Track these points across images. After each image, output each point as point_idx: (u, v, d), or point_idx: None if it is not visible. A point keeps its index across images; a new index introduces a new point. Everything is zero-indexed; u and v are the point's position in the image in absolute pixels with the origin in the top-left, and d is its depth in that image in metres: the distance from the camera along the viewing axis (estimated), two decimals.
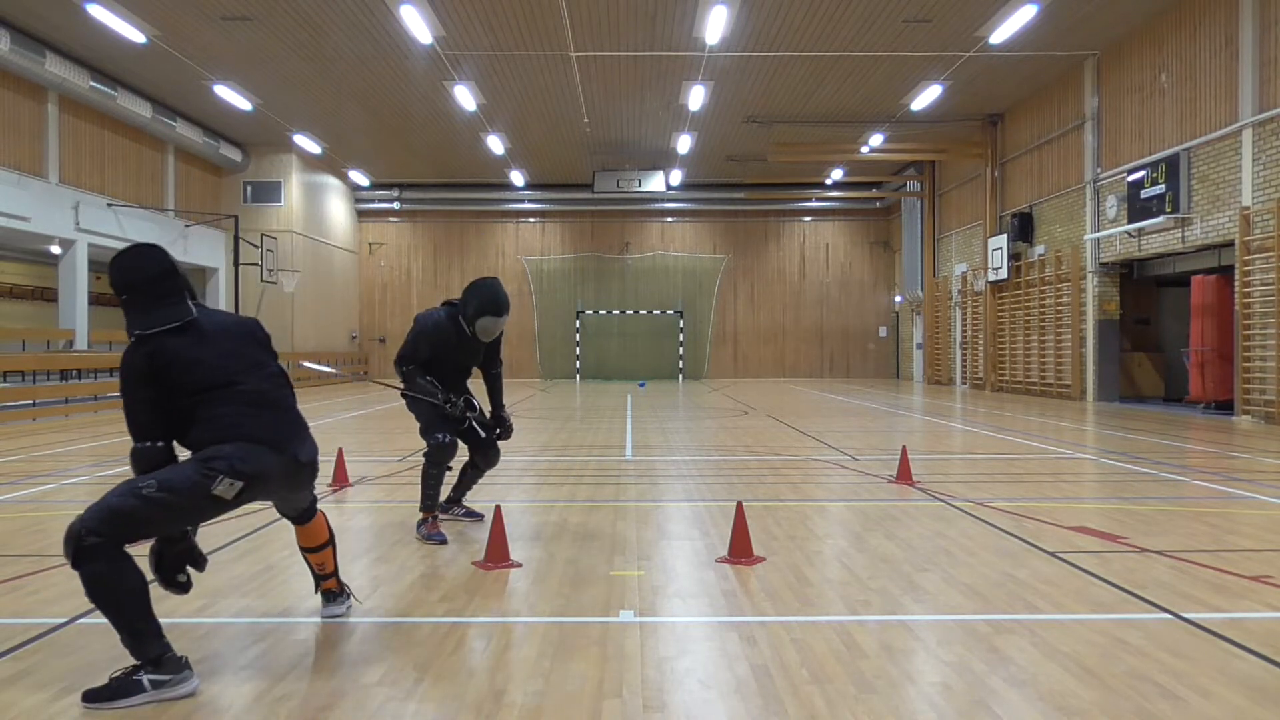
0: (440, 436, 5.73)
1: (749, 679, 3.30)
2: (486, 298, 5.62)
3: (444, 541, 5.63)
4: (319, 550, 4.00)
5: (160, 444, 3.43)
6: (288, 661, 3.52)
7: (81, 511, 3.19)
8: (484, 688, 3.24)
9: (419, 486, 5.86)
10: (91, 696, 3.15)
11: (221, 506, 3.40)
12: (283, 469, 3.52)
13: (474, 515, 6.38)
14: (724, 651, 3.61)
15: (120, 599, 3.17)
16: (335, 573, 4.10)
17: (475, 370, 6.16)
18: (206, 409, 3.44)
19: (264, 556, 5.25)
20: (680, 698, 3.14)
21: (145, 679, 3.17)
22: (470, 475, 6.35)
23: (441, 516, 6.15)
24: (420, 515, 5.83)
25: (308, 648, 3.68)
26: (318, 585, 4.12)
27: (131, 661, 3.23)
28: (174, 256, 3.65)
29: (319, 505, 4.02)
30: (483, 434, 6.02)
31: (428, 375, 5.80)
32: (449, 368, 5.90)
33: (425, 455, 5.79)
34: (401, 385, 5.82)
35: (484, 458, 6.18)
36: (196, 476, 3.31)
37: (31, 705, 3.09)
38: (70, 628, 3.92)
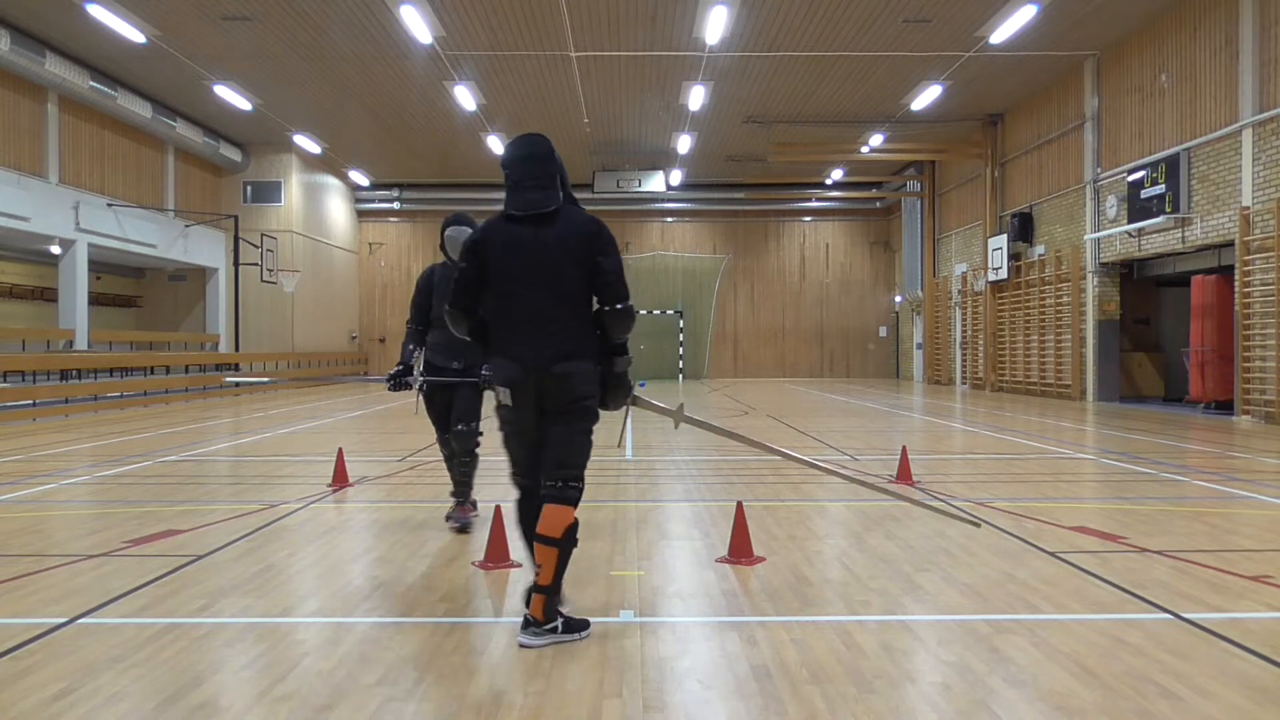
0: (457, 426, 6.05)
1: (749, 679, 3.30)
2: (451, 216, 5.98)
3: (463, 528, 5.98)
4: (545, 543, 3.66)
5: (461, 317, 3.81)
6: (288, 661, 3.52)
7: None
8: (484, 688, 3.24)
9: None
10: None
11: (517, 411, 3.75)
12: (537, 379, 3.70)
13: (461, 521, 6.07)
14: (724, 651, 3.61)
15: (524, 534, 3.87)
16: (550, 588, 3.66)
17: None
18: (492, 318, 3.80)
19: (264, 556, 5.24)
20: (680, 698, 3.14)
21: (565, 619, 3.73)
22: (451, 465, 6.18)
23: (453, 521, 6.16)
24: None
25: (308, 648, 3.68)
26: (527, 599, 3.75)
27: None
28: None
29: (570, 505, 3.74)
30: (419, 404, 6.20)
31: (429, 339, 6.02)
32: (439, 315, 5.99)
33: None
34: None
35: (451, 436, 6.13)
36: (491, 395, 3.85)
37: (31, 705, 3.08)
38: (70, 628, 3.92)
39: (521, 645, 3.64)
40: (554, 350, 3.67)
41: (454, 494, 6.22)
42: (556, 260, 3.69)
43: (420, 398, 6.09)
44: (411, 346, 5.95)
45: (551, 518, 3.66)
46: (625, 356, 3.87)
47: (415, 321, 5.99)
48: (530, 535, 3.78)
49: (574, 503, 3.73)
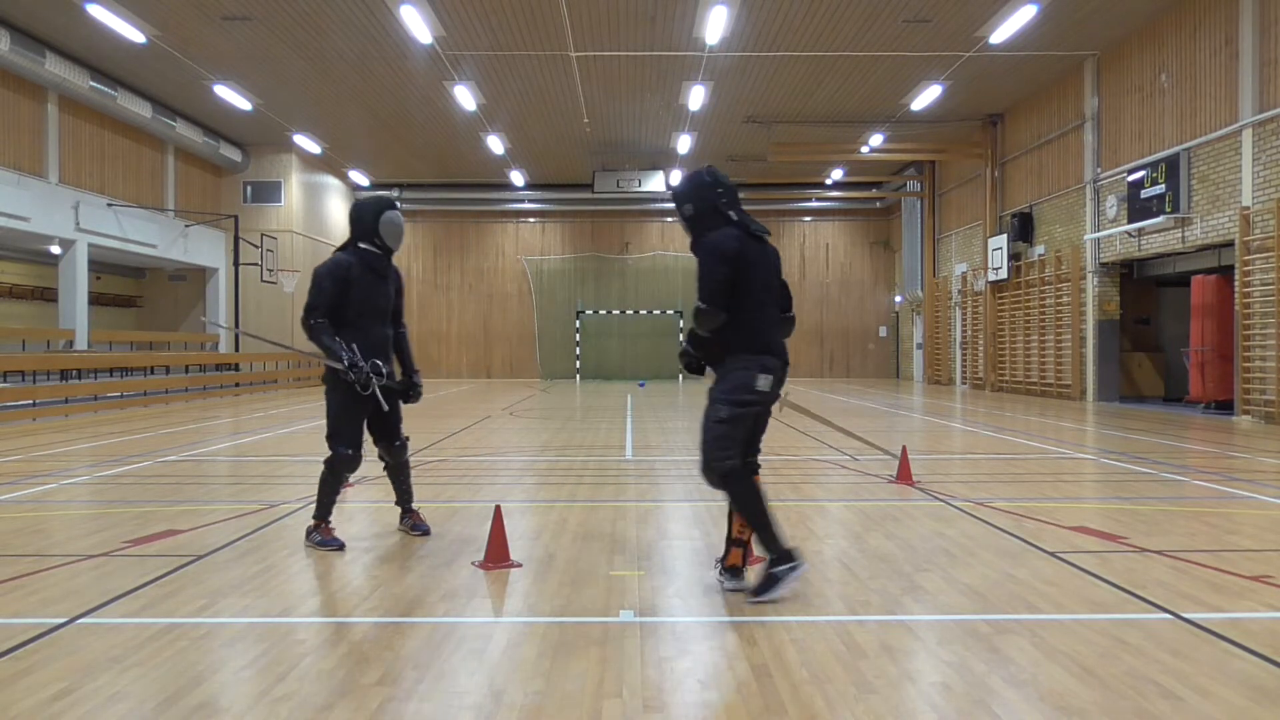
0: (345, 450, 5.36)
1: (749, 679, 3.30)
2: (377, 200, 5.46)
3: (341, 547, 5.36)
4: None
5: (721, 314, 4.35)
6: (288, 661, 3.52)
7: (702, 454, 4.33)
8: (484, 688, 3.24)
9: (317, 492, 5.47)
10: (754, 592, 4.27)
11: (764, 398, 4.41)
12: (781, 371, 4.46)
13: (420, 528, 5.76)
14: (724, 651, 3.61)
15: (758, 507, 4.28)
16: (748, 543, 4.49)
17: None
18: (747, 317, 4.37)
19: (264, 556, 5.24)
20: (680, 698, 3.14)
21: (776, 570, 4.26)
22: (395, 477, 5.80)
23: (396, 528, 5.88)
24: (313, 523, 5.49)
25: (308, 648, 3.68)
26: (725, 552, 4.54)
27: (769, 557, 4.30)
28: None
29: None
30: (385, 405, 5.44)
31: (351, 343, 5.31)
32: (369, 311, 5.39)
33: (326, 462, 5.40)
34: (324, 357, 5.29)
35: (387, 449, 5.67)
36: (746, 379, 4.34)
37: (31, 705, 3.08)
38: (70, 628, 3.92)
39: (734, 590, 4.46)
40: (785, 348, 4.55)
41: (401, 504, 5.83)
42: (776, 275, 4.57)
43: (352, 396, 5.38)
44: (339, 339, 5.26)
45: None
46: None
47: (321, 315, 5.24)
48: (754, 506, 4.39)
49: None
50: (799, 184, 31.70)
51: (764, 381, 4.35)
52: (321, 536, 5.44)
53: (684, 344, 4.60)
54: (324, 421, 5.41)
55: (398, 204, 5.61)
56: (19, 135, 18.45)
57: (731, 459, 4.29)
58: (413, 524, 5.80)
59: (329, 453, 5.38)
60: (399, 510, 5.90)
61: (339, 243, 33.70)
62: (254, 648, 3.69)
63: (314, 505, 5.53)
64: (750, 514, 4.28)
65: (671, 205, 25.66)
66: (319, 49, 18.30)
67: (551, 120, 23.85)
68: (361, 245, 5.41)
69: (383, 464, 5.79)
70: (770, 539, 4.28)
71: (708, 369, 4.52)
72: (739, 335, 4.37)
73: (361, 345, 5.33)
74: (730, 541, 4.50)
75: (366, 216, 5.40)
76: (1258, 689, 3.18)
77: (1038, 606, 4.19)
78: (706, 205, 4.47)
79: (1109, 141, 18.49)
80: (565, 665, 3.45)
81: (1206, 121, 15.34)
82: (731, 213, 4.45)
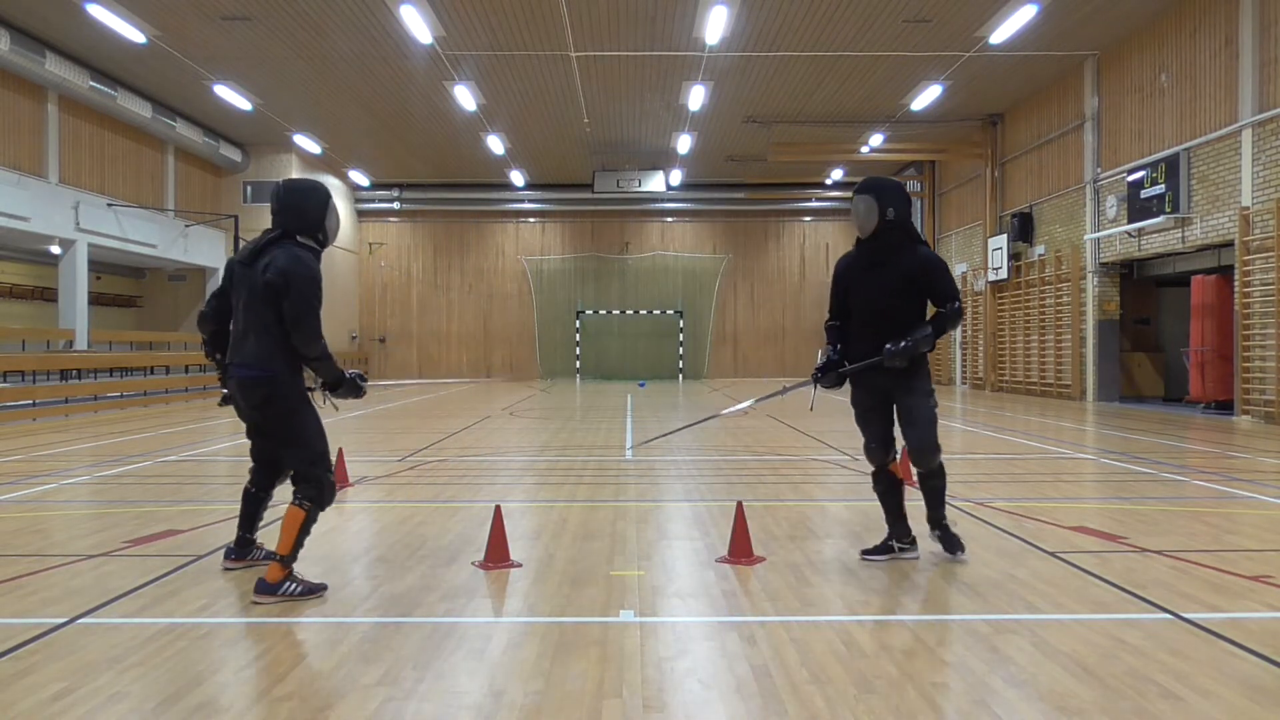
0: (332, 475, 4.51)
1: (749, 679, 3.30)
2: (315, 188, 4.59)
3: (324, 589, 4.48)
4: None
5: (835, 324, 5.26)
6: (288, 661, 3.52)
7: (923, 436, 4.88)
8: (484, 688, 3.24)
9: (291, 534, 4.34)
10: (868, 552, 5.11)
11: None
12: None
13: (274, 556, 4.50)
14: (724, 651, 3.61)
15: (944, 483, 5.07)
16: (940, 514, 5.09)
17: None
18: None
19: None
20: (680, 698, 3.14)
21: (894, 544, 5.07)
22: (261, 501, 4.97)
23: (233, 565, 4.90)
24: (282, 572, 4.34)
25: (308, 648, 3.68)
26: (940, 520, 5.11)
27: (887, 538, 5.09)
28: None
29: None
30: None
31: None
32: None
33: (312, 499, 4.37)
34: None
35: (279, 471, 4.89)
36: (929, 373, 5.06)
37: (31, 705, 3.08)
38: (70, 628, 3.92)
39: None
40: None
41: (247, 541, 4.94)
42: None
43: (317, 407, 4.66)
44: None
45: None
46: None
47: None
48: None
49: None
50: (799, 184, 31.69)
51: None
52: (301, 586, 4.37)
53: (908, 342, 4.80)
54: (324, 421, 4.68)
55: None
56: (19, 135, 18.45)
57: (942, 451, 5.01)
58: (266, 554, 4.84)
59: (314, 483, 4.39)
60: (247, 542, 4.96)
61: (339, 243, 33.17)
62: (254, 648, 3.69)
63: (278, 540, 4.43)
64: (943, 489, 5.02)
65: (671, 205, 25.53)
66: (319, 49, 18.29)
67: (551, 120, 23.85)
68: (301, 239, 4.50)
69: (257, 491, 4.93)
70: (944, 512, 5.10)
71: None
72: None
73: None
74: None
75: (311, 208, 4.51)
76: (1258, 689, 3.18)
77: (1038, 606, 4.19)
78: (904, 216, 4.99)
79: (1109, 141, 18.49)
80: (565, 665, 3.45)
81: (1206, 121, 15.34)
82: (918, 234, 5.06)
